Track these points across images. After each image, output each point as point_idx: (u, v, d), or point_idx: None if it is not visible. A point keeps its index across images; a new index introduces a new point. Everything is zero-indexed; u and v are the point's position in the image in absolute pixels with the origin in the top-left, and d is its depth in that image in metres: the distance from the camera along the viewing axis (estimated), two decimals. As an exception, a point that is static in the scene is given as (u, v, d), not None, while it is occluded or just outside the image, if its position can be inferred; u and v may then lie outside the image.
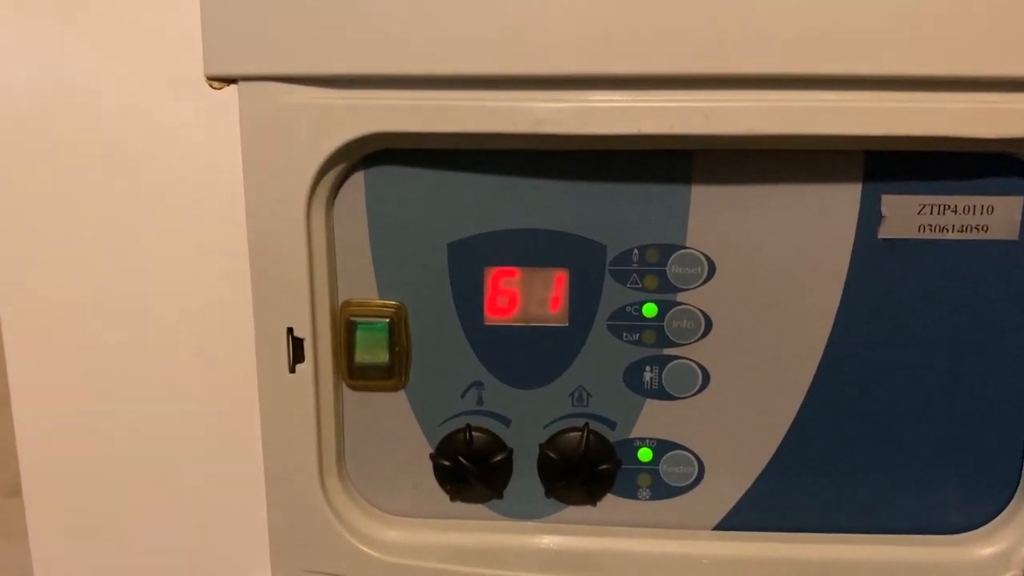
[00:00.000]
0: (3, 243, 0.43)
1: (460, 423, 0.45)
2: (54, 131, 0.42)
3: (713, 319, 0.43)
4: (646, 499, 0.46)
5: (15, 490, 0.47)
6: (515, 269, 0.43)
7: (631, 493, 0.46)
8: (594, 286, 0.43)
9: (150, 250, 0.43)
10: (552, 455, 0.45)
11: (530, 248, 0.43)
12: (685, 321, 0.43)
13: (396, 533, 0.46)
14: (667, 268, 0.43)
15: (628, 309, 0.43)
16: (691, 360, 0.44)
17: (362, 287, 0.44)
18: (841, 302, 0.42)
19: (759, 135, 0.39)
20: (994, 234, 0.41)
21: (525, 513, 0.46)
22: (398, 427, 0.45)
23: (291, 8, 0.38)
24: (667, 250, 0.43)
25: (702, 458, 0.45)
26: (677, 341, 0.44)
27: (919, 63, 0.37)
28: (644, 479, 0.46)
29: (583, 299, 0.43)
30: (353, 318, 0.44)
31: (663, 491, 0.46)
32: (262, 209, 0.41)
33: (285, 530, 0.45)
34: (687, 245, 0.42)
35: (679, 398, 0.44)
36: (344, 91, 0.40)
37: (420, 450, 0.46)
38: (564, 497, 0.46)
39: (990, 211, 0.41)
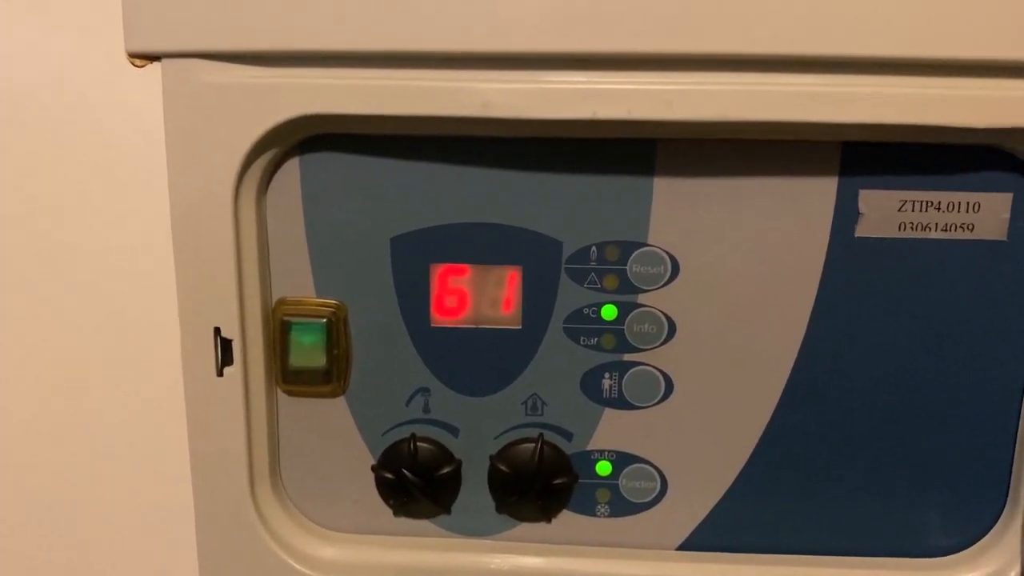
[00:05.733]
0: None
1: (404, 432, 0.43)
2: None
3: (677, 322, 0.41)
4: (605, 516, 0.44)
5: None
6: (464, 266, 0.41)
7: (588, 509, 0.44)
8: (549, 286, 0.41)
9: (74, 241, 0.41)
10: (503, 468, 0.43)
11: (480, 244, 0.41)
12: (647, 324, 0.41)
13: (334, 550, 0.44)
14: (627, 267, 0.41)
15: (586, 311, 0.41)
16: (653, 367, 0.42)
17: (298, 284, 0.42)
18: (815, 306, 0.40)
19: (726, 122, 0.37)
20: (980, 233, 0.39)
21: (474, 530, 0.45)
22: (337, 436, 0.44)
23: (216, -22, 0.36)
24: (627, 247, 0.41)
25: (665, 473, 0.43)
26: (638, 346, 0.42)
27: (900, 45, 0.35)
28: (603, 494, 0.44)
29: (537, 300, 0.41)
30: (287, 318, 0.42)
31: (623, 508, 0.44)
32: (187, 197, 0.40)
33: (214, 546, 0.43)
34: (649, 242, 0.40)
35: (640, 407, 0.42)
36: (274, 69, 0.38)
37: (361, 461, 0.44)
38: (516, 513, 0.44)
39: (976, 208, 0.39)
